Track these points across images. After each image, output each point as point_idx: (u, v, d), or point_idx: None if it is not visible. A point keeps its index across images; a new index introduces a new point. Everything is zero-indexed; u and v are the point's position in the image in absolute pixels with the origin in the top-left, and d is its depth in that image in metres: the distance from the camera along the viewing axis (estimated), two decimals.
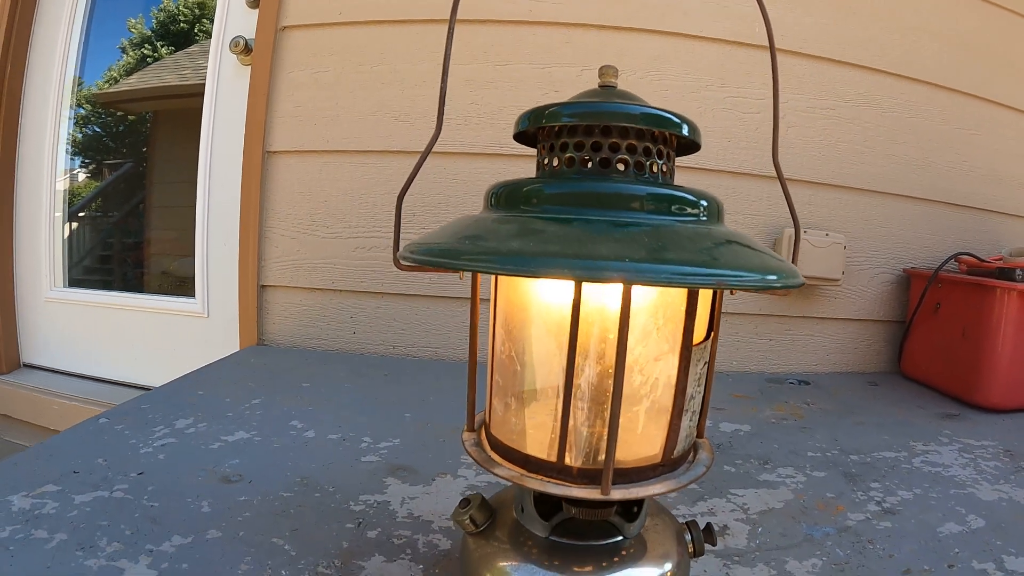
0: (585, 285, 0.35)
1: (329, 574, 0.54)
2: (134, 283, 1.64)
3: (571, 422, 0.36)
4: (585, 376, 0.37)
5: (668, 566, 0.43)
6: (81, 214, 1.63)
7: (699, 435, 0.45)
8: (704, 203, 0.37)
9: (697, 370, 0.39)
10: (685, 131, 0.38)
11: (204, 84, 1.35)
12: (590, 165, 0.38)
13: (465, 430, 0.44)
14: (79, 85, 1.56)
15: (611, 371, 0.34)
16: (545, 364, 0.38)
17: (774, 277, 0.32)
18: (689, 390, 0.38)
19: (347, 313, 1.20)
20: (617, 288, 0.33)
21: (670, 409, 0.38)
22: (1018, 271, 1.07)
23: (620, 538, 0.43)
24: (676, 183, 0.39)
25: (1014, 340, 1.08)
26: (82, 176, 1.66)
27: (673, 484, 0.39)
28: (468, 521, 0.45)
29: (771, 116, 0.47)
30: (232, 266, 1.26)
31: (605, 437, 0.35)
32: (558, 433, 0.37)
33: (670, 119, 0.38)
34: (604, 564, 0.41)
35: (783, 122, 1.20)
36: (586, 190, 0.36)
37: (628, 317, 0.32)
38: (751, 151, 1.19)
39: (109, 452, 0.74)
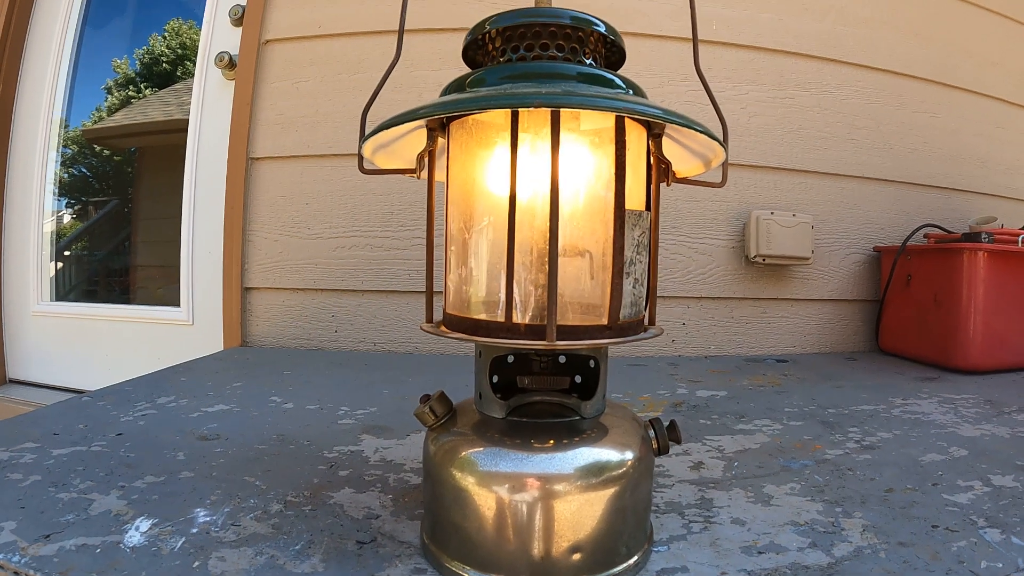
0: (521, 152, 0.38)
1: (298, 502, 0.54)
2: (121, 300, 1.65)
3: (516, 275, 0.38)
4: (526, 233, 0.39)
5: (629, 454, 0.43)
6: (67, 252, 1.64)
7: (650, 322, 0.47)
8: (631, 90, 0.41)
9: (635, 235, 0.41)
10: (603, 29, 0.43)
11: (188, 120, 1.40)
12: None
13: (424, 321, 0.46)
14: (65, 127, 1.59)
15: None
16: (490, 227, 0.41)
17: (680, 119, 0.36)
18: (628, 253, 0.40)
19: (328, 312, 1.22)
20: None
21: (610, 268, 0.40)
22: (984, 234, 1.10)
23: (578, 418, 0.44)
24: None
25: (986, 299, 1.09)
26: (67, 218, 1.68)
27: (618, 339, 0.40)
28: (428, 412, 0.46)
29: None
30: (216, 274, 1.28)
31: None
32: (504, 292, 0.39)
33: (593, 19, 0.43)
34: (565, 441, 0.42)
35: (744, 111, 1.25)
36: (520, 70, 0.41)
37: (558, 144, 0.35)
38: None
39: (90, 420, 0.74)
